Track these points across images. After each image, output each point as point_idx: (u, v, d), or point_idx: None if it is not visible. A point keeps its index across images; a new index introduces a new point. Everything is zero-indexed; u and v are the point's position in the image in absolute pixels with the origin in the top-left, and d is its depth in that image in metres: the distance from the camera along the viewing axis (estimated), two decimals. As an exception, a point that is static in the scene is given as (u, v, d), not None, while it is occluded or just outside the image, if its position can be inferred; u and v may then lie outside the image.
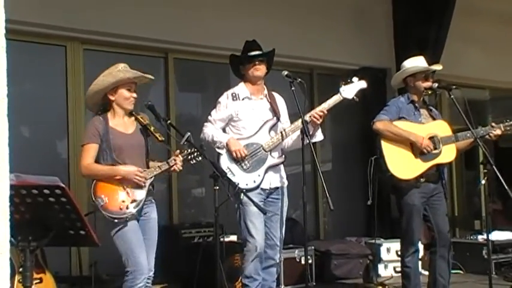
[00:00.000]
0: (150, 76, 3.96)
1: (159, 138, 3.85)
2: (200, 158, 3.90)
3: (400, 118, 4.71)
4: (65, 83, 5.69)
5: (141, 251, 3.72)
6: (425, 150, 4.54)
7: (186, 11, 6.10)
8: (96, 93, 3.85)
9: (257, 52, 4.36)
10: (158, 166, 3.85)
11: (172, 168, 3.87)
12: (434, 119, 4.83)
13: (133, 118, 3.92)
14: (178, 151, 3.90)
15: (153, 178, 3.83)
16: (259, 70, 4.35)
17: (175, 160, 3.84)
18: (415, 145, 4.58)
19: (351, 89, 4.34)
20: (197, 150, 3.88)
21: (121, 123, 3.86)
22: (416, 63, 4.79)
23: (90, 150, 3.76)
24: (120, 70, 3.84)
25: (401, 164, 4.61)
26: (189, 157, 3.90)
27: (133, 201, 3.73)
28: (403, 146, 4.63)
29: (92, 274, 4.95)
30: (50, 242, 2.54)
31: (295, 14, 6.82)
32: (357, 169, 7.25)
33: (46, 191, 2.39)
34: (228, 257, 5.22)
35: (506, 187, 4.30)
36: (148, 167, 3.86)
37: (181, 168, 3.88)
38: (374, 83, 6.86)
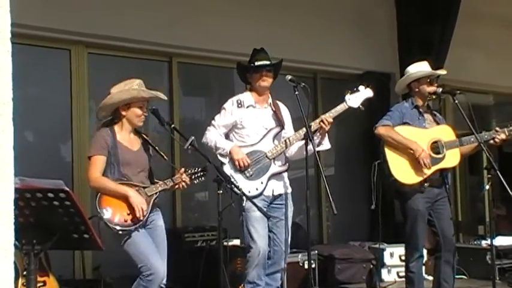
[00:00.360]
0: (163, 96, 4.02)
1: (165, 157, 3.98)
2: (203, 178, 4.00)
3: (404, 123, 4.71)
4: (69, 86, 5.71)
5: (155, 255, 3.75)
6: (421, 162, 4.53)
7: (190, 15, 6.12)
8: (108, 106, 3.89)
9: (265, 62, 4.34)
10: (163, 182, 3.91)
11: (177, 186, 3.94)
12: (438, 123, 4.83)
13: (138, 135, 3.99)
14: (183, 169, 3.97)
15: (158, 193, 3.89)
16: (266, 81, 4.35)
17: (180, 178, 3.91)
18: (415, 155, 4.57)
19: (357, 98, 4.34)
20: (200, 169, 3.96)
21: (127, 139, 3.91)
22: (420, 68, 4.79)
23: (99, 163, 3.79)
24: (135, 88, 3.87)
25: (405, 169, 4.60)
26: (193, 176, 3.98)
27: (136, 216, 3.75)
28: (407, 151, 4.62)
29: (99, 277, 4.96)
30: (54, 246, 2.54)
31: (298, 18, 6.83)
32: (360, 173, 7.23)
33: (50, 195, 2.39)
34: (231, 261, 5.22)
35: (510, 192, 4.29)
36: (152, 183, 3.93)
37: (188, 183, 3.95)
38: (378, 88, 6.81)
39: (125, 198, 3.74)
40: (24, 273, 2.50)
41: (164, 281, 3.79)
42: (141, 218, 3.74)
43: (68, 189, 2.40)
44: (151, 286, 3.67)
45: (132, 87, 3.86)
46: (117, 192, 3.75)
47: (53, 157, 5.81)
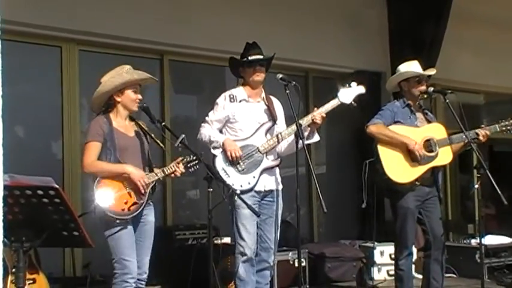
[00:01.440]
0: (155, 78, 4.02)
1: (161, 145, 3.99)
2: (198, 167, 3.97)
3: (395, 122, 4.73)
4: (60, 83, 5.68)
5: (131, 255, 3.74)
6: (416, 153, 4.55)
7: (182, 12, 6.11)
8: (104, 94, 3.88)
9: (258, 56, 4.35)
10: (161, 171, 3.90)
11: (174, 174, 3.92)
12: (429, 122, 4.85)
13: (133, 122, 3.98)
14: (180, 158, 3.96)
15: (154, 182, 3.88)
16: (260, 76, 4.37)
17: (177, 165, 3.90)
18: (408, 147, 4.59)
19: (349, 94, 4.36)
20: (195, 156, 3.93)
21: (123, 125, 3.91)
22: (410, 67, 4.80)
23: (94, 148, 3.78)
24: (127, 72, 3.88)
25: (399, 167, 4.62)
26: (188, 164, 3.96)
27: (134, 203, 3.77)
28: (400, 149, 4.64)
29: (89, 275, 4.96)
30: (44, 243, 2.54)
31: (290, 17, 6.83)
32: (351, 172, 7.26)
33: (40, 192, 2.39)
34: (222, 259, 5.22)
35: (499, 192, 4.32)
36: (150, 171, 3.92)
37: (184, 171, 3.94)
38: (369, 87, 6.78)
39: (123, 180, 3.74)
40: (14, 270, 2.50)
41: (145, 276, 3.83)
42: (143, 191, 3.74)
43: (57, 186, 2.40)
44: (122, 284, 3.69)
45: (123, 72, 3.86)
46: (115, 171, 3.74)
47: (43, 154, 5.79)
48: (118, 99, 3.87)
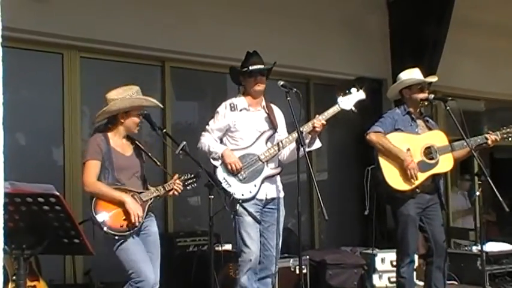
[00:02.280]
0: (161, 105, 4.10)
1: (158, 163, 4.03)
2: (196, 185, 4.04)
3: (396, 129, 4.73)
4: (61, 90, 5.68)
5: (146, 262, 3.76)
6: (409, 172, 4.54)
7: (183, 20, 6.12)
8: (110, 113, 3.91)
9: (259, 66, 4.34)
10: (157, 188, 3.93)
11: (172, 192, 3.97)
12: (430, 129, 4.85)
13: (130, 141, 4.00)
14: (176, 176, 4.00)
15: (152, 199, 3.91)
16: (261, 86, 4.37)
17: (175, 183, 3.94)
18: (404, 164, 4.58)
19: (349, 100, 4.36)
20: (193, 175, 3.99)
21: (120, 145, 3.94)
22: (411, 75, 4.81)
23: (94, 167, 3.80)
24: (136, 95, 3.91)
25: (399, 175, 4.62)
26: (186, 182, 4.01)
27: (131, 222, 3.76)
28: (398, 159, 4.64)
29: (90, 282, 4.95)
30: (44, 250, 2.54)
31: (291, 24, 6.84)
32: (353, 179, 7.25)
33: (41, 199, 2.40)
34: (223, 266, 5.21)
35: (500, 198, 4.32)
36: (146, 188, 3.95)
37: (181, 190, 3.98)
38: (370, 93, 6.79)
39: (121, 204, 3.75)
40: (14, 277, 2.50)
41: (157, 287, 3.80)
42: (137, 224, 3.75)
43: (58, 193, 2.40)
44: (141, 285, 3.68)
45: (132, 94, 3.89)
46: (113, 198, 3.76)
47: (44, 161, 5.79)
48: (122, 120, 3.91)
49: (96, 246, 3.58)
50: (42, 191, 2.41)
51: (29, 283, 3.80)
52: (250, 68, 4.33)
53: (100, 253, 3.60)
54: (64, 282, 5.47)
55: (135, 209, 3.75)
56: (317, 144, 4.40)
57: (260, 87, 4.36)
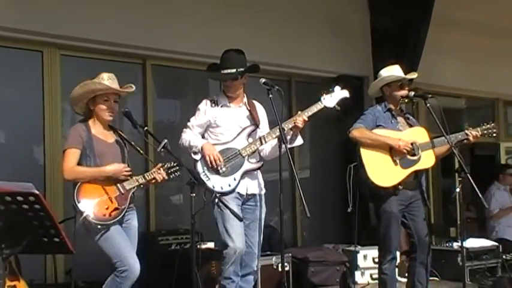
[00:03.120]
0: (127, 90, 3.97)
1: (141, 152, 4.02)
2: (179, 173, 3.99)
3: (377, 126, 4.75)
4: (41, 88, 5.64)
5: (130, 251, 3.78)
6: (404, 151, 4.57)
7: (164, 17, 6.09)
8: (73, 101, 3.92)
9: (229, 71, 4.34)
10: (139, 178, 3.91)
11: (155, 180, 3.93)
12: (411, 126, 4.88)
13: (112, 131, 4.00)
14: (160, 164, 3.98)
15: (135, 188, 3.89)
16: (231, 88, 4.38)
17: (158, 171, 3.92)
18: (393, 149, 4.61)
19: (332, 98, 4.38)
20: (176, 163, 3.95)
21: (101, 132, 3.93)
22: (392, 72, 4.84)
23: (73, 155, 3.81)
24: (94, 82, 3.87)
25: (382, 172, 4.64)
26: (169, 171, 3.98)
27: (116, 209, 3.77)
28: (383, 153, 4.67)
29: (71, 281, 4.91)
30: (24, 250, 2.52)
31: (273, 22, 6.85)
32: (335, 176, 7.28)
33: (20, 198, 2.38)
34: (205, 264, 5.21)
35: (480, 195, 4.36)
36: (130, 177, 3.92)
37: (166, 178, 3.95)
38: (352, 91, 6.82)
39: (104, 183, 3.76)
40: (-7, 277, 2.47)
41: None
42: (131, 175, 3.78)
43: (37, 192, 2.38)
44: (125, 282, 3.71)
45: (93, 81, 3.87)
46: (95, 175, 3.76)
47: (25, 159, 5.74)
48: (91, 107, 3.90)
49: (77, 245, 3.57)
50: (21, 190, 2.39)
51: (8, 283, 3.77)
52: (222, 71, 4.35)
53: (81, 252, 3.59)
54: (45, 282, 5.44)
55: (121, 170, 3.78)
56: (299, 141, 4.41)
57: (230, 89, 4.38)
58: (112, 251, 3.70)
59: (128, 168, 3.83)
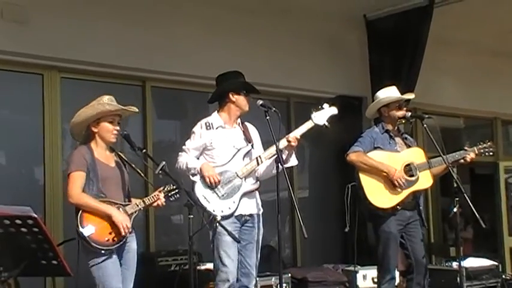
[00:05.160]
0: (133, 109, 4.01)
1: (141, 175, 4.04)
2: (178, 196, 4.00)
3: (375, 148, 4.78)
4: (41, 111, 5.67)
5: (118, 284, 3.75)
6: (396, 183, 4.60)
7: (163, 39, 6.15)
8: (78, 125, 3.92)
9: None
10: (142, 200, 3.92)
11: (156, 204, 3.95)
12: (409, 146, 4.91)
13: (113, 153, 4.01)
14: (161, 188, 3.99)
15: (137, 212, 3.90)
16: (247, 106, 4.43)
17: (158, 196, 3.93)
18: (389, 177, 4.64)
19: (322, 116, 4.40)
20: (175, 184, 3.96)
21: (103, 156, 3.94)
22: (389, 93, 4.88)
23: (79, 179, 3.78)
24: (102, 103, 3.88)
25: (380, 193, 4.67)
26: (169, 194, 3.99)
27: (118, 233, 3.77)
28: (380, 175, 4.69)
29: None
30: (22, 272, 2.53)
31: (271, 42, 6.90)
32: (334, 196, 7.28)
33: (18, 221, 2.40)
34: (204, 285, 5.20)
35: (477, 215, 4.37)
36: (129, 201, 3.95)
37: (164, 201, 3.96)
38: (350, 111, 6.97)
39: (107, 217, 3.75)
40: (-8, 300, 2.48)
41: None
42: (126, 235, 3.76)
43: (35, 215, 2.40)
44: None
45: (99, 102, 3.88)
46: (99, 211, 3.75)
47: (25, 182, 5.75)
48: (95, 129, 3.90)
49: (77, 268, 3.58)
50: (20, 213, 2.41)
51: (7, 305, 3.77)
52: (249, 85, 4.40)
53: (81, 274, 3.60)
54: (44, 304, 5.42)
55: (123, 220, 3.76)
56: (293, 161, 4.42)
57: (245, 107, 4.42)
58: (100, 280, 3.70)
59: (129, 226, 3.80)
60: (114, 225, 3.75)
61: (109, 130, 3.89)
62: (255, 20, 6.80)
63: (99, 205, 3.75)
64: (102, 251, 3.69)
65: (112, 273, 3.73)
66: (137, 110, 4.06)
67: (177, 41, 6.25)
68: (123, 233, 3.75)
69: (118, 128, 3.92)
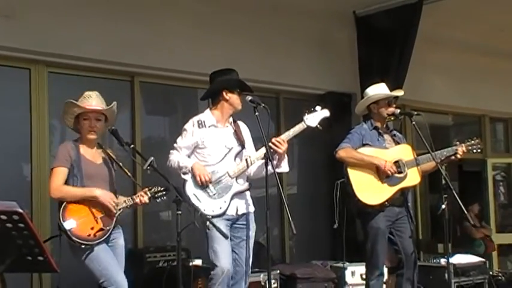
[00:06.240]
0: (93, 108, 3.90)
1: (128, 174, 4.04)
2: (165, 198, 4.02)
3: (364, 144, 4.79)
4: (29, 106, 5.62)
5: (118, 270, 3.79)
6: (389, 172, 4.61)
7: (152, 34, 6.12)
8: (62, 119, 3.96)
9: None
10: (126, 199, 3.93)
11: (138, 200, 3.95)
12: (398, 143, 4.92)
13: (101, 150, 3.97)
14: (146, 189, 4.01)
15: (121, 210, 3.91)
16: (240, 105, 4.41)
17: (142, 195, 3.95)
18: (380, 169, 4.65)
19: (315, 118, 4.39)
20: (163, 188, 3.99)
21: (90, 152, 3.95)
22: (378, 90, 4.88)
23: (61, 174, 3.81)
24: (74, 102, 3.88)
25: (369, 190, 4.68)
26: (156, 195, 4.01)
27: (101, 229, 3.77)
28: (369, 172, 4.70)
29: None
30: (7, 269, 2.51)
31: (261, 39, 6.89)
32: (323, 192, 7.30)
33: (3, 217, 2.38)
34: (193, 281, 5.18)
35: (465, 212, 4.40)
36: (116, 198, 3.94)
37: (147, 202, 3.97)
38: (339, 108, 6.98)
39: (91, 204, 3.76)
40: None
41: None
42: (114, 211, 3.78)
43: (21, 211, 2.38)
44: None
45: (79, 98, 3.91)
46: (83, 195, 3.77)
47: (12, 177, 5.70)
48: (78, 126, 3.92)
49: (64, 261, 3.56)
50: (5, 208, 2.39)
51: (-7, 302, 3.75)
52: (244, 83, 4.38)
53: (68, 270, 3.58)
54: (31, 300, 5.39)
55: (109, 198, 3.78)
56: (284, 167, 4.39)
57: (238, 106, 4.40)
58: (98, 271, 3.70)
59: (116, 200, 3.82)
60: (96, 219, 3.75)
61: (84, 127, 3.90)
62: (244, 16, 6.78)
63: (81, 190, 3.78)
64: (82, 246, 3.68)
65: (108, 260, 3.74)
66: (108, 107, 3.97)
67: (167, 37, 6.23)
68: (113, 210, 3.77)
69: (95, 124, 3.90)
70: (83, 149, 3.90)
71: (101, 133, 3.98)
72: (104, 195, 3.79)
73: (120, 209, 3.88)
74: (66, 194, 3.76)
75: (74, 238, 3.66)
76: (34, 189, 5.57)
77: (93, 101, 3.90)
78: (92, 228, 3.74)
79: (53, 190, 3.79)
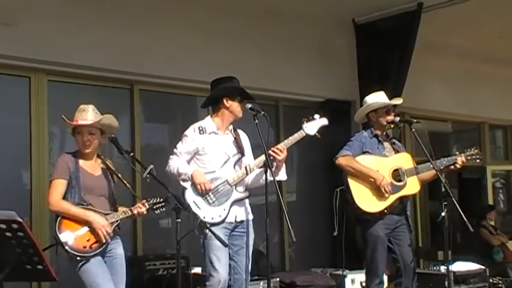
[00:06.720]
0: (87, 121, 3.87)
1: (127, 186, 4.03)
2: (164, 209, 4.01)
3: (364, 152, 4.79)
4: (28, 114, 5.63)
5: (106, 281, 3.74)
6: (382, 189, 4.61)
7: (152, 42, 6.13)
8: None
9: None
10: (125, 210, 3.93)
11: (136, 212, 3.95)
12: (397, 151, 4.92)
13: (100, 161, 3.98)
14: (144, 201, 4.00)
15: (119, 221, 3.90)
16: (241, 113, 4.42)
17: (140, 207, 3.94)
18: (376, 183, 4.64)
19: (313, 126, 4.40)
20: (162, 199, 3.97)
21: (89, 164, 3.94)
22: (377, 98, 4.89)
23: (60, 186, 3.80)
24: (64, 118, 3.90)
25: (368, 197, 4.68)
26: (154, 207, 4.00)
27: (97, 241, 3.76)
28: (368, 180, 4.69)
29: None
30: (7, 277, 2.51)
31: (261, 46, 6.91)
32: (322, 200, 7.30)
33: (2, 226, 2.37)
34: (192, 289, 5.19)
35: (465, 219, 4.39)
36: (115, 210, 3.94)
37: (145, 213, 3.97)
38: (339, 115, 7.00)
39: (86, 223, 3.74)
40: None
41: None
42: (104, 241, 3.75)
43: (20, 220, 2.37)
44: None
45: (77, 115, 3.90)
46: (79, 217, 3.75)
47: (11, 185, 5.70)
48: (75, 140, 3.93)
49: (62, 270, 3.56)
50: (4, 217, 2.38)
51: (-8, 311, 3.73)
52: (245, 91, 4.39)
53: (67, 278, 3.57)
54: (30, 309, 5.38)
55: (102, 226, 3.75)
56: (282, 176, 4.39)
57: (239, 114, 4.40)
58: (90, 284, 3.70)
59: (109, 231, 3.78)
60: (93, 232, 3.75)
61: (78, 142, 3.91)
62: (244, 23, 6.80)
63: (78, 211, 3.76)
64: (78, 258, 3.68)
65: (98, 273, 3.72)
66: (89, 121, 3.89)
67: (166, 44, 6.24)
68: (103, 240, 3.74)
69: (89, 139, 3.88)
70: (82, 161, 3.90)
71: (96, 146, 3.94)
72: (97, 222, 3.75)
73: (117, 221, 3.87)
74: (62, 210, 3.76)
75: (69, 250, 3.66)
76: (33, 197, 5.57)
77: (86, 114, 3.88)
78: (88, 240, 3.73)
79: (52, 204, 3.79)
